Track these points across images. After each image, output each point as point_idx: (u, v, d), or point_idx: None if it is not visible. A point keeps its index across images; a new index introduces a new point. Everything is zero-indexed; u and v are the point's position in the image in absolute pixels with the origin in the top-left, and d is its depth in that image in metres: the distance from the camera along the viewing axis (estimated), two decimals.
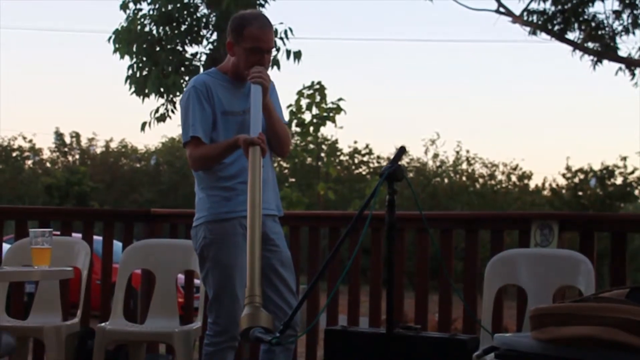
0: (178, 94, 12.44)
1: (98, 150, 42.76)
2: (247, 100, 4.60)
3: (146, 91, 12.37)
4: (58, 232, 6.48)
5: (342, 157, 36.98)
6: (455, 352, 4.69)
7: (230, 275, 4.65)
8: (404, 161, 37.29)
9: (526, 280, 4.93)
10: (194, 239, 4.79)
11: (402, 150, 3.87)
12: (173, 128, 54.51)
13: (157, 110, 12.64)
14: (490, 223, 5.78)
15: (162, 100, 12.56)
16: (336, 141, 27.03)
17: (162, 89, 12.34)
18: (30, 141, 42.05)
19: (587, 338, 3.37)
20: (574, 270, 4.74)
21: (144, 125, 12.65)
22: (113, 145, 43.11)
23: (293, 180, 24.38)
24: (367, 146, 37.99)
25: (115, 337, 5.48)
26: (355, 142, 37.79)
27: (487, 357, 3.97)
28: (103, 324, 5.57)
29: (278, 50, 12.01)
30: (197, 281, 6.01)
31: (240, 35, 4.62)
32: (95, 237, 6.81)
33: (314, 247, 6.33)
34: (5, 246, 6.60)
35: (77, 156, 42.79)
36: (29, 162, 42.63)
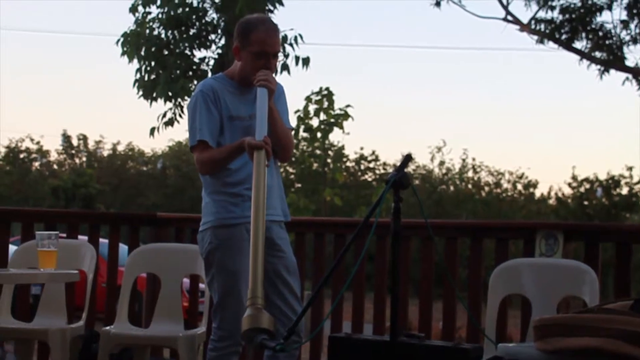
0: (186, 98, 12.46)
1: (105, 153, 42.82)
2: (254, 105, 4.61)
3: (154, 95, 12.39)
4: (64, 235, 6.50)
5: (348, 163, 36.98)
6: None
7: (235, 281, 4.66)
8: (410, 168, 37.31)
9: (530, 290, 4.94)
10: (200, 243, 4.81)
11: (408, 158, 3.88)
12: (180, 132, 54.56)
13: (164, 115, 12.66)
14: (496, 232, 5.79)
15: (170, 105, 12.59)
16: (343, 147, 27.03)
17: (170, 93, 12.37)
18: (38, 143, 42.15)
19: (591, 349, 3.38)
20: (579, 281, 4.75)
21: (152, 130, 12.67)
22: (120, 148, 43.20)
23: (299, 185, 24.36)
24: (373, 152, 38.02)
25: (119, 341, 5.48)
26: (362, 149, 37.81)
27: None
28: (108, 328, 5.58)
29: (287, 56, 12.03)
30: (202, 285, 6.02)
31: (247, 40, 4.64)
32: (101, 240, 6.83)
33: (319, 253, 6.33)
34: (12, 247, 6.62)
35: (84, 159, 42.84)
36: (36, 164, 42.70)
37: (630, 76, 17.28)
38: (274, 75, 4.70)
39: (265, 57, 4.62)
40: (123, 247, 7.10)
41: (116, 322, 5.71)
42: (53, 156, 43.22)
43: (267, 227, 4.38)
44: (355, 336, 5.25)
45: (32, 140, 42.02)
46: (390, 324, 3.81)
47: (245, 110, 4.72)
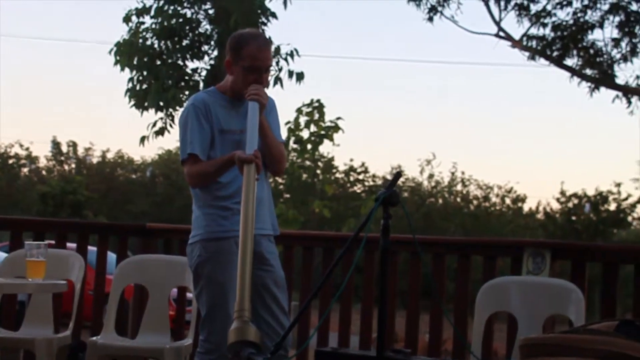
0: (178, 108, 12.50)
1: (94, 160, 42.80)
2: (245, 119, 4.62)
3: (145, 104, 12.41)
4: (53, 241, 6.51)
5: (337, 175, 36.99)
6: None
7: (223, 294, 4.67)
8: (399, 181, 37.27)
9: (517, 308, 4.96)
10: (189, 256, 4.82)
11: (397, 176, 3.91)
12: (170, 141, 54.58)
13: (155, 124, 12.68)
14: (483, 249, 5.81)
15: (161, 114, 12.61)
16: (332, 158, 27.07)
17: (161, 103, 12.39)
18: (27, 149, 42.09)
19: None
20: (565, 300, 4.77)
21: (143, 139, 12.69)
22: (109, 155, 43.18)
23: (288, 196, 24.35)
24: (362, 164, 38.01)
25: (106, 352, 5.48)
26: (351, 160, 37.81)
27: None
28: (94, 338, 5.58)
29: (281, 70, 12.06)
30: (189, 295, 6.02)
31: (239, 55, 4.66)
32: (89, 247, 6.83)
33: (307, 267, 6.34)
34: (0, 254, 6.62)
35: (73, 165, 42.80)
36: (25, 170, 42.64)
37: (620, 94, 17.32)
38: (265, 89, 4.73)
39: (257, 72, 4.64)
40: (111, 255, 7.10)
41: (103, 333, 5.71)
42: (42, 162, 43.21)
43: (256, 241, 4.40)
44: (341, 351, 5.26)
45: (21, 146, 42.01)
46: (377, 340, 3.82)
47: (236, 124, 4.74)
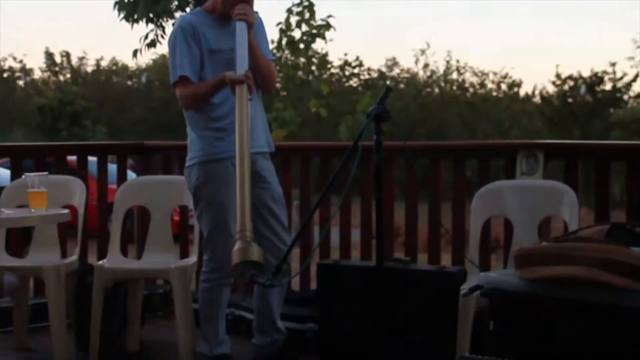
0: (168, 20, 12.38)
1: (89, 69, 42.54)
2: (234, 38, 4.66)
3: (135, 17, 12.28)
4: (51, 159, 6.60)
5: (332, 70, 36.91)
6: (444, 285, 4.82)
7: (224, 214, 4.77)
8: (394, 72, 37.30)
9: (512, 211, 5.03)
10: (187, 178, 4.90)
11: (387, 91, 3.96)
12: (163, 48, 54.09)
13: (147, 37, 12.56)
14: (477, 153, 5.85)
15: (151, 26, 12.47)
16: (326, 54, 26.95)
17: (151, 15, 12.25)
18: (21, 62, 41.83)
19: (570, 277, 3.49)
20: (559, 201, 4.84)
21: (135, 52, 12.59)
22: (104, 63, 42.92)
23: (285, 93, 24.29)
24: (357, 58, 37.92)
25: (113, 276, 5.56)
26: (346, 55, 37.73)
27: (473, 294, 4.10)
28: (101, 262, 5.66)
29: None
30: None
31: None
32: (90, 158, 6.88)
33: (305, 177, 6.37)
34: (1, 170, 6.63)
35: (68, 76, 42.57)
36: (21, 83, 42.45)
37: None
38: (251, 7, 4.75)
39: None
40: (112, 166, 7.11)
41: (109, 256, 5.79)
42: (37, 74, 42.97)
43: (252, 160, 4.45)
44: (342, 263, 5.38)
45: (15, 59, 41.75)
46: (376, 252, 3.91)
47: (225, 43, 4.78)
